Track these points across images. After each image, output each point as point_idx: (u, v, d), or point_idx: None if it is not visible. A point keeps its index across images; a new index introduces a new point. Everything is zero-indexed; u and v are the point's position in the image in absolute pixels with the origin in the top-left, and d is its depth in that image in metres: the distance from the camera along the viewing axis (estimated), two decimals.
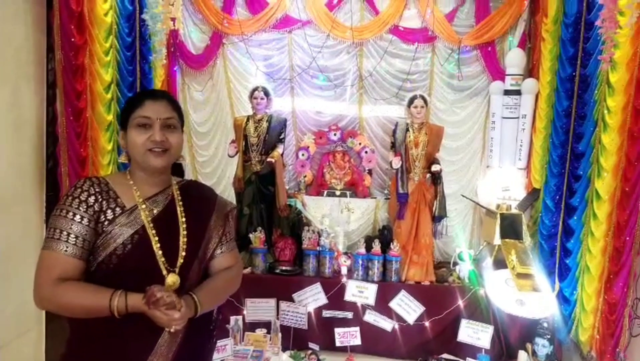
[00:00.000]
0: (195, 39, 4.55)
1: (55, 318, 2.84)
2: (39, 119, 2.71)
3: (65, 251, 1.33)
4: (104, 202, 1.40)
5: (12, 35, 2.48)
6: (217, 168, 4.65)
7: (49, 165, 2.78)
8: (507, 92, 4.33)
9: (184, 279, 1.44)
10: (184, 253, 1.45)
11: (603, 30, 2.71)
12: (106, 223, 1.38)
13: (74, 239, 1.34)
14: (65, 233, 1.34)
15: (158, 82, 3.93)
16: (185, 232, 1.48)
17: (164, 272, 1.39)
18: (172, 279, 1.41)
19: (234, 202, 4.14)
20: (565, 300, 3.50)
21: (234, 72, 4.56)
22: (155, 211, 1.46)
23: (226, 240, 1.61)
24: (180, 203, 1.51)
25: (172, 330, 1.36)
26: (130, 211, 1.42)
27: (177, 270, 1.43)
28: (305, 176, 4.44)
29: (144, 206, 1.44)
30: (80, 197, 1.38)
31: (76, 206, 1.36)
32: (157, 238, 1.41)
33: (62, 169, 2.78)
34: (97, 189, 1.41)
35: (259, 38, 4.51)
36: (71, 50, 2.75)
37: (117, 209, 1.41)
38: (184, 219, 1.49)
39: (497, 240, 3.90)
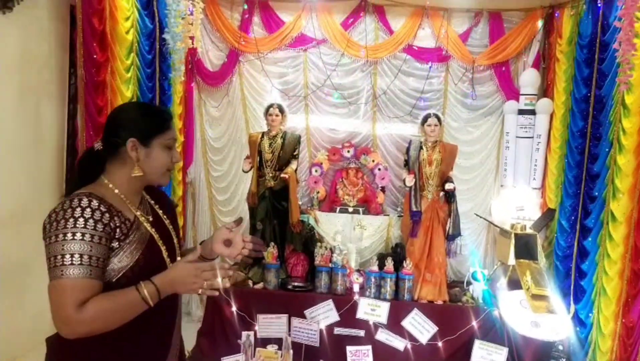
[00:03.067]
0: (212, 56, 4.63)
1: None
2: (59, 134, 2.78)
3: (90, 274, 1.26)
4: (116, 218, 1.35)
5: (37, 54, 2.56)
6: (231, 183, 4.69)
7: (68, 180, 2.83)
8: (521, 112, 4.34)
9: None
10: (179, 251, 1.55)
11: (620, 52, 2.71)
12: (122, 237, 1.35)
13: (96, 261, 1.28)
14: (86, 256, 1.26)
15: (177, 99, 4.02)
16: (174, 232, 1.55)
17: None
18: None
19: (248, 217, 4.18)
20: (581, 323, 3.46)
21: (249, 89, 4.63)
22: (150, 219, 1.49)
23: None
24: (156, 206, 1.56)
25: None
26: (137, 223, 1.42)
27: None
28: (318, 192, 4.46)
29: (142, 217, 1.45)
30: (94, 216, 1.29)
31: (92, 227, 1.28)
32: (165, 247, 1.46)
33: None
34: (106, 206, 1.33)
35: (275, 56, 4.58)
36: (93, 67, 2.83)
37: (127, 222, 1.39)
38: (167, 221, 1.55)
39: (511, 260, 3.86)
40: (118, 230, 1.35)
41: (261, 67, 4.56)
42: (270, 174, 4.05)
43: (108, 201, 1.36)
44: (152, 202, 1.56)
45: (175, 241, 1.54)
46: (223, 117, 4.67)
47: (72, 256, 1.25)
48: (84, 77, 2.74)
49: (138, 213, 1.44)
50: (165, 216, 1.55)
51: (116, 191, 1.42)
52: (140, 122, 1.48)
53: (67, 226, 1.26)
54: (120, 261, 1.35)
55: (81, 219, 1.27)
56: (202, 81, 4.61)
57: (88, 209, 1.29)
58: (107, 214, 1.32)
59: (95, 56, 2.82)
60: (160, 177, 1.49)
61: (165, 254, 1.45)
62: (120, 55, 3.13)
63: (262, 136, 4.12)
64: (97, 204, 1.31)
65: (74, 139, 2.81)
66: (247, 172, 4.14)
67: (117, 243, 1.34)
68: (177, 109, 4.08)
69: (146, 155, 1.44)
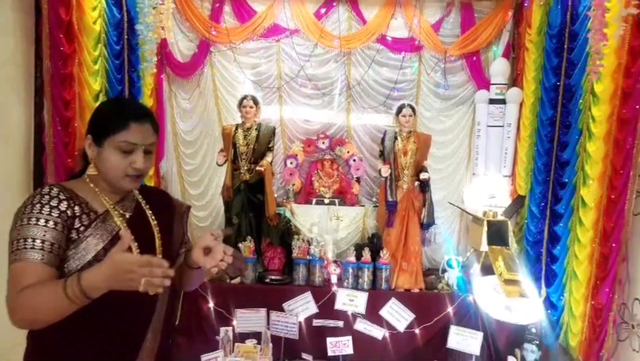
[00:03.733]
0: (182, 47, 4.52)
1: None
2: (26, 130, 2.67)
3: (42, 259, 1.23)
4: (77, 207, 1.34)
5: (1, 46, 2.43)
6: (204, 177, 4.61)
7: (36, 176, 2.72)
8: (492, 101, 4.40)
9: None
10: (160, 256, 1.43)
11: (591, 42, 2.78)
12: (82, 228, 1.33)
13: (50, 246, 1.26)
14: (39, 240, 1.24)
15: (147, 91, 3.91)
16: (159, 235, 1.48)
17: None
18: None
19: (223, 211, 4.13)
20: (552, 306, 3.56)
21: (221, 81, 4.54)
22: (127, 215, 1.44)
23: (186, 240, 1.64)
24: (147, 206, 1.51)
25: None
26: (104, 215, 1.38)
27: None
28: (293, 185, 4.43)
29: (115, 211, 1.41)
30: (51, 203, 1.30)
31: (47, 212, 1.28)
32: (136, 244, 1.37)
33: (49, 180, 2.72)
34: (67, 195, 1.34)
35: (247, 46, 4.50)
36: (60, 59, 2.72)
37: (92, 214, 1.36)
38: (155, 222, 1.48)
39: (484, 247, 3.94)
40: (77, 220, 1.33)
41: (233, 58, 4.47)
42: (246, 167, 4.01)
43: (75, 192, 1.36)
44: (143, 201, 1.51)
45: (157, 246, 1.46)
46: (195, 110, 4.57)
47: (25, 240, 1.25)
48: (50, 70, 2.63)
49: (111, 206, 1.41)
50: (153, 217, 1.49)
51: (91, 185, 1.41)
52: (96, 119, 1.44)
53: (25, 212, 1.28)
54: (79, 255, 1.31)
55: (37, 205, 1.29)
56: (172, 72, 4.49)
57: (46, 197, 1.31)
58: (64, 202, 1.32)
59: (61, 48, 2.71)
60: (118, 181, 1.39)
61: (136, 252, 1.34)
62: (87, 47, 3.02)
63: (236, 128, 4.06)
64: (56, 192, 1.33)
65: (41, 134, 2.69)
66: (221, 165, 4.08)
67: (75, 234, 1.32)
68: (147, 101, 3.96)
69: (98, 154, 1.39)
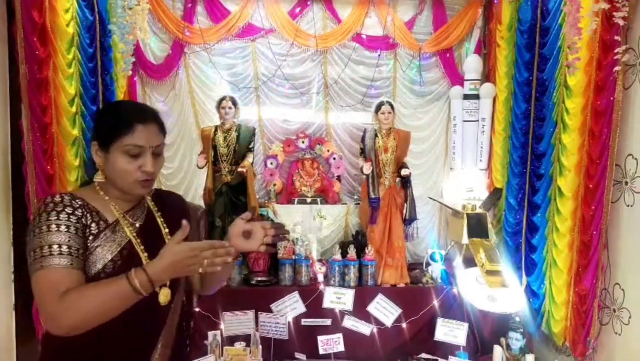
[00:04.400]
0: (155, 48, 4.42)
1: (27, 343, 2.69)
2: (3, 136, 2.55)
3: (71, 264, 1.23)
4: (88, 215, 1.33)
5: None
6: (183, 180, 4.53)
7: (15, 184, 2.62)
8: (466, 97, 4.49)
9: (173, 292, 1.41)
10: None
11: (567, 36, 2.87)
12: (91, 237, 1.31)
13: (76, 251, 1.26)
14: (65, 246, 1.24)
15: (120, 94, 3.80)
16: None
17: (157, 287, 1.28)
18: (165, 293, 1.37)
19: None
20: (533, 294, 3.66)
21: (197, 82, 4.48)
22: (137, 225, 1.41)
23: None
24: (159, 213, 1.48)
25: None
26: (113, 225, 1.36)
27: (167, 283, 1.37)
28: (274, 185, 4.42)
29: (125, 220, 1.39)
30: (66, 210, 1.29)
31: (66, 218, 1.27)
32: (146, 255, 1.36)
33: (30, 188, 2.62)
34: (79, 202, 1.33)
35: (222, 47, 4.45)
36: (35, 63, 2.61)
37: (101, 223, 1.34)
38: (166, 230, 1.45)
39: (465, 239, 4.03)
40: (88, 228, 1.32)
41: (208, 59, 4.41)
42: (227, 169, 3.97)
43: (86, 201, 1.34)
44: (155, 208, 1.48)
45: None
46: (171, 112, 4.47)
47: (49, 247, 1.23)
48: (27, 75, 2.52)
49: (120, 216, 1.38)
50: (165, 225, 1.46)
51: (101, 193, 1.39)
52: (101, 123, 1.41)
53: (42, 220, 1.26)
54: (91, 261, 1.30)
55: (53, 213, 1.27)
56: (145, 75, 4.39)
57: (60, 204, 1.30)
58: (79, 209, 1.32)
59: (37, 52, 2.60)
60: (128, 186, 1.36)
61: (146, 262, 1.33)
62: (62, 50, 2.91)
63: (216, 130, 4.01)
64: (68, 200, 1.32)
65: (20, 140, 2.59)
66: (202, 167, 4.02)
67: (91, 239, 1.31)
68: None
69: (106, 160, 1.36)
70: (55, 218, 1.27)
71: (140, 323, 1.34)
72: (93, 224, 1.33)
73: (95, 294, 1.21)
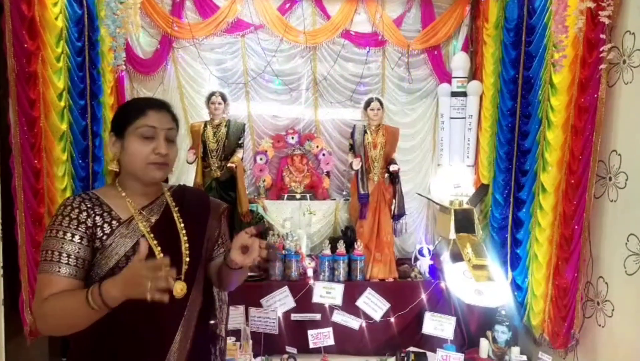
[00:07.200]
0: (143, 43, 4.40)
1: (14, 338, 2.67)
2: None
3: (59, 271, 1.28)
4: (98, 217, 1.35)
5: None
6: (172, 175, 4.51)
7: (3, 178, 2.59)
8: (453, 94, 4.55)
9: (190, 286, 1.43)
10: (188, 260, 1.44)
11: (554, 35, 2.93)
12: (104, 237, 1.34)
13: (66, 258, 1.30)
14: (57, 253, 1.29)
15: (107, 88, 3.78)
16: (185, 238, 1.46)
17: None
18: (179, 286, 1.38)
19: None
20: (518, 288, 3.73)
21: (186, 77, 4.46)
22: (152, 220, 1.43)
23: (223, 241, 1.60)
24: (176, 208, 1.49)
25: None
26: (127, 222, 1.38)
27: (182, 277, 1.40)
28: (264, 181, 4.43)
29: (140, 216, 1.41)
30: (71, 215, 1.33)
31: (67, 225, 1.31)
32: (159, 248, 1.38)
33: (17, 182, 2.60)
34: (88, 205, 1.36)
35: (211, 42, 4.45)
36: (24, 57, 2.59)
37: (114, 222, 1.37)
38: (182, 225, 1.46)
39: (452, 235, 4.08)
40: (99, 229, 1.35)
41: (197, 54, 4.40)
42: (216, 165, 3.97)
43: (101, 200, 1.38)
44: (173, 203, 1.49)
45: (182, 250, 1.43)
46: None
47: (52, 252, 1.29)
48: (15, 68, 2.50)
49: (135, 212, 1.40)
50: (181, 220, 1.47)
51: (119, 189, 1.43)
52: (116, 115, 1.47)
53: (55, 223, 1.33)
54: (103, 262, 1.34)
55: (60, 217, 1.33)
56: (133, 69, 4.36)
57: (68, 208, 1.34)
58: (84, 213, 1.34)
59: (25, 45, 2.58)
60: (143, 170, 1.38)
61: (159, 256, 1.35)
62: (50, 44, 2.89)
63: (205, 126, 4.01)
64: (78, 202, 1.36)
65: (7, 135, 2.56)
66: (191, 163, 4.02)
67: (99, 243, 1.34)
68: (108, 99, 3.83)
69: (122, 148, 1.40)
70: (65, 224, 1.32)
71: (158, 317, 1.35)
72: (105, 225, 1.36)
73: (64, 306, 1.24)
